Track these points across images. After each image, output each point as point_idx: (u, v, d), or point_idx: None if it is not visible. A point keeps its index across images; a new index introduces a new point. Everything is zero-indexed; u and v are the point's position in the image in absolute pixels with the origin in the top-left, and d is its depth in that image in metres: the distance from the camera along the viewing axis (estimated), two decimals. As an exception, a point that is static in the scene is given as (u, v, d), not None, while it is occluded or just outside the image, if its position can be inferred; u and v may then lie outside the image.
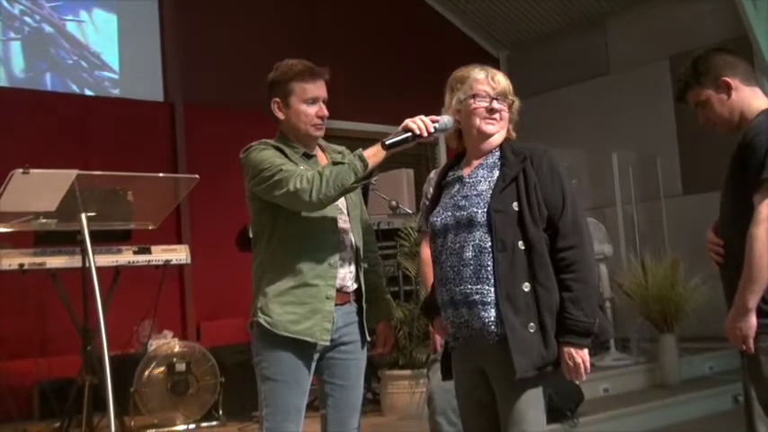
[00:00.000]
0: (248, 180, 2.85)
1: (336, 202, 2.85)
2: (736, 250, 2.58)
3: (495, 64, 9.83)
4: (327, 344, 2.82)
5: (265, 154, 2.82)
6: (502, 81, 2.69)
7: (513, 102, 2.71)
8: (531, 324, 2.49)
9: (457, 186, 2.70)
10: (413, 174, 6.66)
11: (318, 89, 2.89)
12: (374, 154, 2.71)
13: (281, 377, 2.81)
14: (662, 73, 8.07)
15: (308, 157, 2.92)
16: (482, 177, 2.65)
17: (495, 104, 2.67)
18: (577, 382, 4.42)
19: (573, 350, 2.49)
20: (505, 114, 2.69)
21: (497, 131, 2.69)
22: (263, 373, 2.84)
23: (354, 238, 2.94)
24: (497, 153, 2.68)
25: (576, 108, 8.84)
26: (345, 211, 2.93)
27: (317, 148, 3.01)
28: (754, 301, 2.55)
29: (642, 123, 8.32)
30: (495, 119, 2.67)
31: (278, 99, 2.92)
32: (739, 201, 2.60)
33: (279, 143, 2.90)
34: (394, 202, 5.68)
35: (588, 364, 2.51)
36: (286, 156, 2.84)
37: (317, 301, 2.80)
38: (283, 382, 2.81)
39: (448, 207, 2.68)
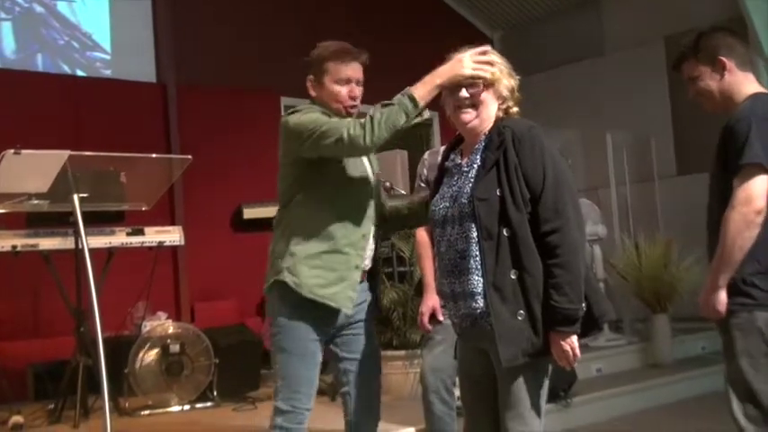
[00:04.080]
0: (293, 141, 2.82)
1: (367, 175, 2.91)
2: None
3: (490, 45, 9.79)
4: (349, 312, 2.84)
5: (312, 114, 2.81)
6: None
7: (496, 80, 2.61)
8: (521, 312, 2.47)
9: (456, 176, 2.67)
10: (406, 155, 6.63)
11: (352, 70, 2.88)
12: (424, 89, 2.66)
13: (295, 349, 2.82)
14: (657, 53, 8.05)
15: None
16: (474, 164, 2.60)
17: (463, 93, 2.61)
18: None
19: (559, 338, 2.46)
20: (482, 98, 2.61)
21: (474, 118, 2.61)
22: (279, 344, 2.85)
23: (377, 216, 2.97)
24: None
25: (571, 88, 8.82)
26: (374, 188, 2.96)
27: None
28: (724, 280, 2.62)
29: (637, 104, 8.32)
30: (465, 107, 2.61)
31: (313, 77, 2.93)
32: (725, 185, 2.63)
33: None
34: (388, 184, 5.65)
35: (577, 351, 2.48)
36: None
37: (345, 269, 2.82)
38: (297, 354, 2.82)
39: (446, 197, 2.65)
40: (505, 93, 2.63)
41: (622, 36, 8.73)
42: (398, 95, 2.68)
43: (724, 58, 2.75)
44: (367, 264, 2.92)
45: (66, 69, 7.14)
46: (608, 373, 6.14)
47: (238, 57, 7.66)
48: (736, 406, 2.64)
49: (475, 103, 2.61)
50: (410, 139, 7.04)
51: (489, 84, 2.61)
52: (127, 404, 5.14)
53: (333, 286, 2.80)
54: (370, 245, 2.92)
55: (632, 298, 6.80)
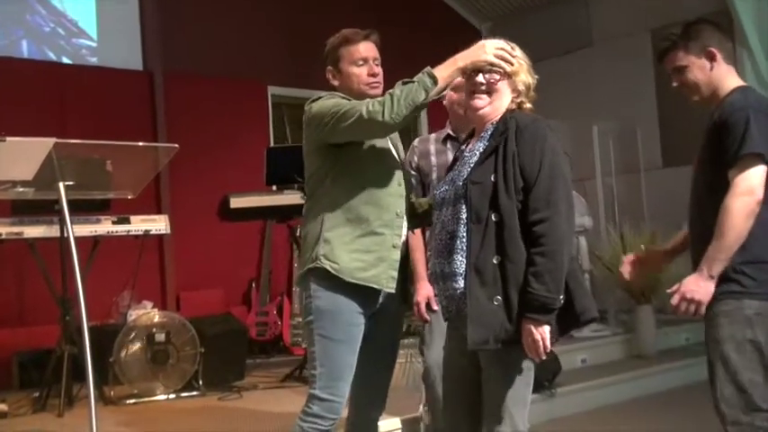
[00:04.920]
0: (314, 128, 2.82)
1: (396, 155, 2.91)
2: (711, 224, 2.61)
3: (478, 36, 9.79)
4: (393, 291, 2.82)
5: (333, 99, 2.81)
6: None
7: (514, 72, 2.65)
8: (497, 297, 2.47)
9: (459, 160, 2.72)
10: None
11: (366, 50, 2.91)
12: (445, 70, 2.67)
13: (339, 336, 2.78)
14: (644, 45, 8.07)
15: None
16: (477, 150, 2.64)
17: (480, 77, 2.64)
18: (555, 353, 4.46)
19: (532, 326, 2.44)
20: (497, 87, 2.64)
21: (486, 104, 2.64)
22: (320, 333, 2.79)
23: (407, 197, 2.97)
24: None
25: (558, 80, 8.79)
26: (401, 166, 2.95)
27: None
28: (718, 270, 2.60)
29: (623, 96, 8.34)
30: (480, 92, 2.64)
31: (331, 67, 2.95)
32: (715, 176, 2.63)
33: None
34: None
35: (548, 342, 2.45)
36: None
37: (383, 249, 2.81)
38: (340, 341, 2.79)
39: (448, 180, 2.70)
40: (521, 87, 2.68)
41: (610, 28, 8.74)
42: (419, 74, 2.68)
43: (714, 50, 2.77)
44: (399, 243, 2.88)
45: (52, 56, 7.08)
46: (592, 364, 6.17)
47: (226, 45, 7.63)
48: (719, 393, 2.64)
49: (490, 91, 2.65)
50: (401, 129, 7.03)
51: (507, 75, 2.65)
52: (112, 393, 5.13)
53: (373, 268, 2.78)
54: (405, 224, 2.90)
55: (617, 289, 6.83)
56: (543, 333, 2.44)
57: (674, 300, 2.65)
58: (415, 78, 2.67)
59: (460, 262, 2.54)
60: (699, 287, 2.61)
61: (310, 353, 2.83)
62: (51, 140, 3.51)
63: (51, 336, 5.17)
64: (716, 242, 2.58)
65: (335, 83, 2.95)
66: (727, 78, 2.78)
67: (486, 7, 9.79)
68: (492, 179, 2.51)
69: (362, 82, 2.90)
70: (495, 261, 2.49)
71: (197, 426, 4.51)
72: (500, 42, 2.67)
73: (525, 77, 2.68)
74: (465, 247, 2.53)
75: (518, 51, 2.70)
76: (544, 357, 2.49)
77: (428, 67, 2.67)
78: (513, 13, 9.66)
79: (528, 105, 2.70)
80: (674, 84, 2.87)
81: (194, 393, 5.30)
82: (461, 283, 2.53)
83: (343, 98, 2.83)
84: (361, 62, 2.90)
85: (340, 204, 2.81)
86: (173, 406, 5.11)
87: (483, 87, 2.64)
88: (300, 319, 3.22)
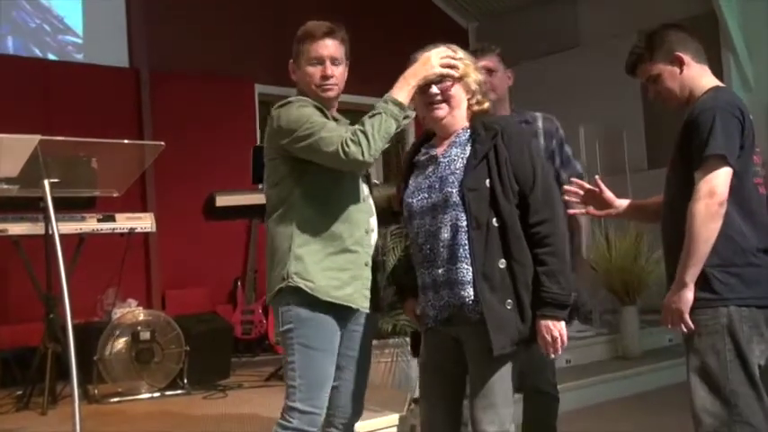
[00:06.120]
0: (282, 137, 2.71)
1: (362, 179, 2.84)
2: (682, 229, 2.59)
3: (465, 35, 9.81)
4: (367, 311, 2.78)
5: (305, 110, 2.70)
6: None
7: (464, 74, 2.66)
8: (509, 301, 2.51)
9: (431, 167, 2.69)
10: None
11: (322, 48, 2.76)
12: (402, 93, 2.65)
13: (321, 345, 2.70)
14: (630, 47, 8.09)
15: (336, 120, 2.83)
16: (456, 156, 2.63)
17: (433, 89, 2.65)
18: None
19: (550, 323, 2.51)
20: (452, 93, 2.65)
21: (446, 114, 2.66)
22: (300, 341, 2.69)
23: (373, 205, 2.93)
24: (469, 131, 2.66)
25: (545, 80, 8.84)
26: (367, 178, 2.91)
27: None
28: (692, 276, 2.57)
29: (609, 97, 8.37)
30: (437, 103, 2.66)
31: (292, 61, 2.85)
32: (687, 177, 2.62)
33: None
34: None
35: (565, 338, 2.53)
36: (324, 115, 2.73)
37: (356, 268, 2.76)
38: (322, 350, 2.70)
39: (423, 188, 2.67)
40: (474, 86, 2.69)
41: (596, 29, 8.78)
42: (381, 103, 2.64)
43: (680, 53, 2.76)
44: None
45: (38, 53, 7.05)
46: (577, 365, 6.20)
47: (212, 43, 7.62)
48: (698, 400, 2.61)
49: (446, 98, 2.66)
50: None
51: (458, 79, 2.66)
52: (96, 391, 5.10)
53: (347, 287, 2.72)
54: (374, 239, 2.86)
55: (602, 290, 6.87)
56: (561, 329, 2.52)
57: (662, 314, 2.67)
58: (379, 108, 2.63)
59: (466, 270, 2.54)
60: (677, 296, 2.60)
61: (288, 363, 2.73)
62: (36, 137, 3.49)
63: (35, 334, 5.14)
64: (685, 247, 2.57)
65: (294, 78, 2.86)
66: (702, 78, 2.77)
67: (473, 7, 9.82)
68: (487, 184, 2.53)
69: (314, 83, 2.78)
70: (501, 265, 2.52)
71: (181, 425, 4.49)
72: (443, 50, 2.67)
73: (475, 75, 2.70)
74: (468, 255, 2.53)
75: (461, 53, 2.71)
76: (560, 353, 2.57)
77: (387, 94, 2.64)
78: (500, 13, 9.69)
79: (486, 105, 2.72)
80: (651, 95, 2.87)
81: (179, 392, 5.28)
82: (470, 291, 2.53)
83: (313, 106, 2.73)
84: (315, 62, 2.77)
85: (311, 220, 2.72)
86: (157, 405, 5.09)
87: (439, 98, 2.66)
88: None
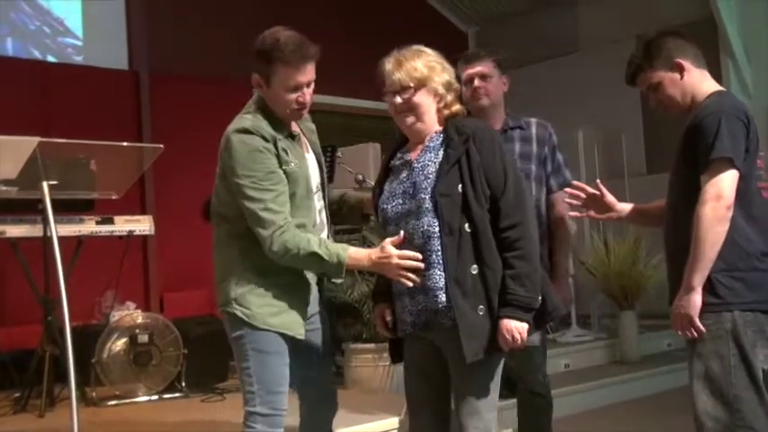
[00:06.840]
0: (233, 175, 2.67)
1: (316, 191, 2.81)
2: (685, 235, 2.59)
3: (464, 40, 9.82)
4: (302, 338, 2.75)
5: (259, 157, 2.63)
6: (395, 75, 2.63)
7: (426, 79, 2.62)
8: (481, 306, 2.52)
9: (405, 172, 2.68)
10: (379, 148, 6.63)
11: (303, 75, 2.65)
12: (354, 265, 2.64)
13: (272, 348, 2.70)
14: (629, 52, 8.07)
15: (293, 137, 2.79)
16: (429, 161, 2.62)
17: (396, 99, 2.65)
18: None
19: (512, 323, 2.50)
20: (416, 101, 2.63)
21: (415, 121, 2.65)
22: (252, 347, 2.69)
23: (327, 225, 2.90)
24: (442, 135, 2.66)
25: (544, 85, 8.86)
26: (323, 198, 2.88)
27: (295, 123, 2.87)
28: (699, 280, 2.57)
29: (608, 102, 8.37)
30: (402, 112, 2.65)
31: (259, 76, 2.73)
32: (691, 181, 2.62)
33: (265, 119, 2.71)
34: (360, 176, 5.66)
35: (525, 336, 2.53)
36: (276, 147, 2.66)
37: (295, 294, 2.74)
38: (275, 352, 2.70)
39: (397, 194, 2.66)
40: (441, 90, 2.66)
41: (596, 34, 8.78)
42: (335, 250, 2.61)
43: (680, 60, 2.76)
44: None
45: (37, 55, 7.04)
46: (575, 369, 6.20)
47: (212, 45, 7.61)
48: (701, 404, 2.61)
49: (411, 107, 2.64)
50: (382, 133, 7.05)
51: (420, 85, 2.63)
52: (94, 394, 5.09)
53: (284, 314, 2.70)
54: None
55: (600, 294, 6.87)
56: (521, 330, 2.52)
57: (671, 319, 2.66)
58: (326, 252, 2.59)
59: (439, 276, 2.54)
60: (685, 301, 2.59)
61: (243, 369, 2.72)
62: (35, 140, 3.50)
63: (33, 336, 5.14)
64: (692, 251, 2.56)
65: (260, 92, 2.75)
66: (703, 83, 2.78)
67: (472, 11, 9.82)
68: (459, 189, 2.53)
69: (289, 108, 2.70)
70: (473, 271, 2.52)
71: (179, 427, 4.49)
72: (410, 262, 2.55)
73: (440, 77, 2.66)
74: (441, 261, 2.53)
75: (426, 50, 2.69)
76: (507, 349, 2.56)
77: (346, 253, 2.60)
78: (499, 18, 9.69)
79: (457, 107, 2.70)
80: (652, 104, 2.87)
81: (177, 395, 5.27)
82: (443, 298, 2.54)
83: (264, 137, 2.65)
84: (293, 88, 2.66)
85: (253, 245, 2.67)
86: (155, 407, 5.08)
87: (403, 107, 2.65)
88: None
